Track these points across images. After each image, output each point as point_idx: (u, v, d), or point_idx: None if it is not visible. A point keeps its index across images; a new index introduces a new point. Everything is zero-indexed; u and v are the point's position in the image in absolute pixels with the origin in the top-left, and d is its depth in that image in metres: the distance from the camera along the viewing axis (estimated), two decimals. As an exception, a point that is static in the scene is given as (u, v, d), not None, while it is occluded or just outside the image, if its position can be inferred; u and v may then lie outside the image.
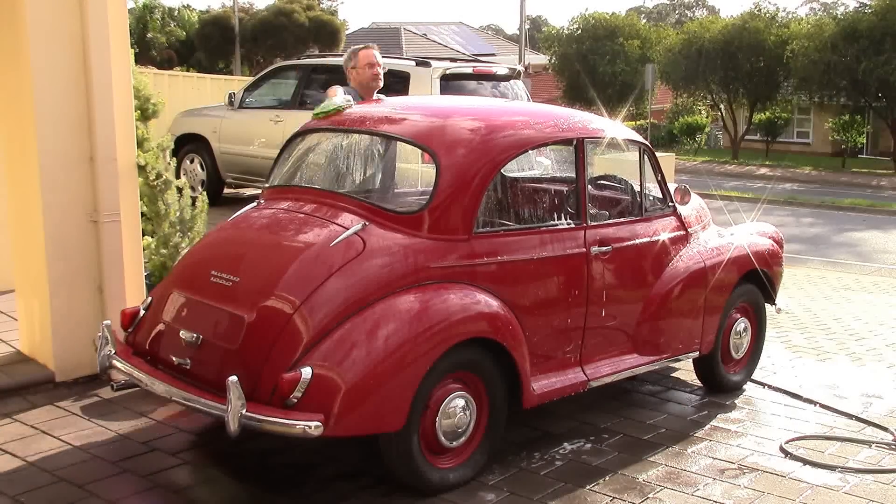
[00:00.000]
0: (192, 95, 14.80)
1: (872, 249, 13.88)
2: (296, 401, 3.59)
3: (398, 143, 4.78)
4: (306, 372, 3.61)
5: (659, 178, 5.13)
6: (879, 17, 27.71)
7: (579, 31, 36.71)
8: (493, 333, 4.07)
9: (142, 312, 4.36)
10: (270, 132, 10.33)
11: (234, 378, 3.53)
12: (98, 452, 4.28)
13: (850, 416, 5.23)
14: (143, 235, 5.78)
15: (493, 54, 36.76)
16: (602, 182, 5.35)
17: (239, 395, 3.52)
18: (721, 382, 5.49)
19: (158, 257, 6.08)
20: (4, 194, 5.55)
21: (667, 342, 4.98)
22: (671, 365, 5.49)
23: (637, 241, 4.86)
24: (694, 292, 5.07)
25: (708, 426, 5.00)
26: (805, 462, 4.53)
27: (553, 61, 37.38)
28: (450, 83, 9.50)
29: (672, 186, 5.28)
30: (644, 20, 46.39)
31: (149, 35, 37.42)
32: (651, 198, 5.12)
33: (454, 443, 4.01)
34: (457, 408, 3.97)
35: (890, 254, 13.38)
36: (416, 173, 5.16)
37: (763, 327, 5.73)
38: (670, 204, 5.17)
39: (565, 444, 4.62)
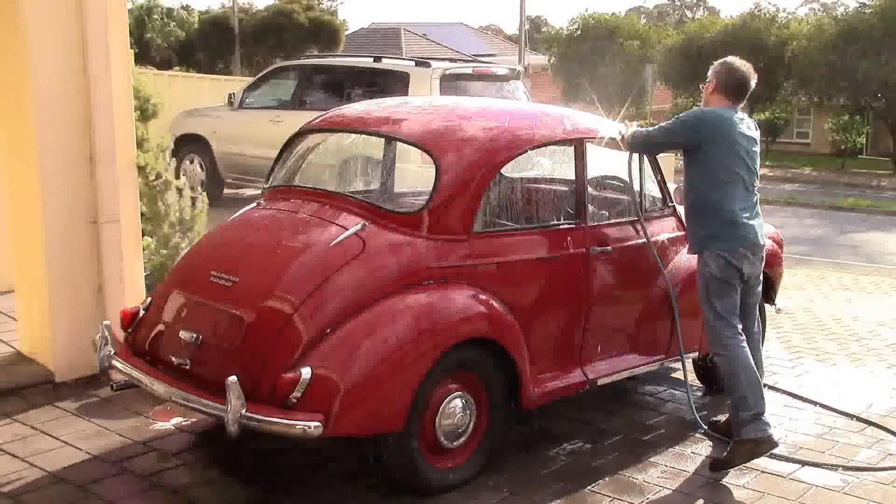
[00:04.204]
0: (192, 95, 14.82)
1: (874, 251, 13.86)
2: (295, 401, 3.59)
3: (398, 143, 4.78)
4: (306, 372, 3.61)
5: (659, 178, 5.13)
6: (879, 18, 27.68)
7: (579, 32, 36.68)
8: (493, 334, 4.07)
9: (141, 312, 4.36)
10: (270, 132, 10.35)
11: (233, 378, 3.53)
12: (98, 452, 4.28)
13: (851, 416, 5.23)
14: (143, 236, 5.78)
15: (492, 55, 36.74)
16: (602, 182, 5.34)
17: (238, 396, 3.52)
18: (721, 382, 5.47)
19: (158, 257, 6.09)
20: (4, 194, 5.55)
21: (667, 342, 4.98)
22: (671, 365, 5.48)
23: (637, 241, 4.86)
24: (693, 292, 5.04)
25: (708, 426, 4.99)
26: (805, 462, 4.53)
27: (553, 62, 37.36)
28: (450, 83, 9.51)
29: (672, 187, 5.27)
30: (644, 20, 46.37)
31: (148, 35, 37.39)
32: (651, 198, 5.12)
33: (454, 443, 4.01)
34: (456, 408, 3.98)
35: (893, 255, 13.37)
36: (415, 173, 5.16)
37: (763, 328, 5.72)
38: (670, 204, 5.17)
39: (565, 444, 4.62)
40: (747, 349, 4.43)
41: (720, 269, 4.42)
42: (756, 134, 4.61)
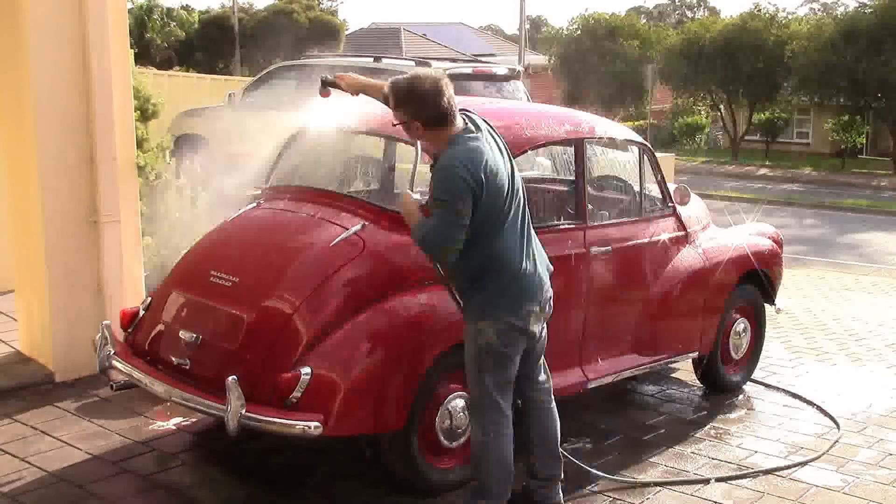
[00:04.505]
0: (192, 95, 14.80)
1: (874, 251, 13.87)
2: (295, 401, 3.59)
3: (398, 143, 4.77)
4: (306, 372, 3.61)
5: (658, 178, 5.13)
6: (879, 17, 27.71)
7: (579, 32, 36.68)
8: (493, 333, 4.06)
9: (141, 312, 4.36)
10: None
11: (233, 378, 3.53)
12: (98, 452, 4.28)
13: (833, 420, 5.23)
14: (143, 236, 5.78)
15: (492, 54, 36.74)
16: (602, 182, 5.34)
17: (238, 396, 3.52)
18: (721, 382, 5.49)
19: (158, 257, 6.09)
20: (4, 195, 5.55)
21: (666, 342, 4.98)
22: (671, 365, 5.49)
23: (637, 241, 4.86)
24: (693, 292, 5.07)
25: (708, 426, 5.00)
26: (805, 463, 4.53)
27: (553, 62, 37.36)
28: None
29: (672, 187, 5.28)
30: (644, 20, 46.36)
31: (148, 35, 37.39)
32: (651, 198, 5.12)
33: (454, 443, 4.01)
34: (456, 408, 3.97)
35: (893, 255, 13.37)
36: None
37: (763, 327, 5.73)
38: (670, 204, 5.17)
39: (565, 444, 4.59)
40: (510, 436, 3.65)
41: (501, 338, 3.52)
42: (502, 145, 3.60)
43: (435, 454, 3.97)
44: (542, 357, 3.82)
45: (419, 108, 3.43)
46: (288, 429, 3.57)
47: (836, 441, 4.83)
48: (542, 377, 3.83)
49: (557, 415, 3.87)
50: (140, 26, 36.23)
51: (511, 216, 3.50)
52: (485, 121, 3.62)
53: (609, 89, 34.04)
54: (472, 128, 3.52)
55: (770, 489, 4.23)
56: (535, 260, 3.60)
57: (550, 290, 3.69)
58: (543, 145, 4.72)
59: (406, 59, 11.77)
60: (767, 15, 32.53)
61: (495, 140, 3.59)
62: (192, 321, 4.07)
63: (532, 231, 3.64)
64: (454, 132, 3.47)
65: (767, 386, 5.72)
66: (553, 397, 3.85)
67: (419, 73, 3.49)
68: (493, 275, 3.50)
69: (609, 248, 4.64)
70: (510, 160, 3.61)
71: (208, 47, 38.08)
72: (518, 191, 3.55)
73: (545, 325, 3.74)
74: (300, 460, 4.31)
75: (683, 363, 5.51)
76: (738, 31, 31.50)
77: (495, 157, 3.48)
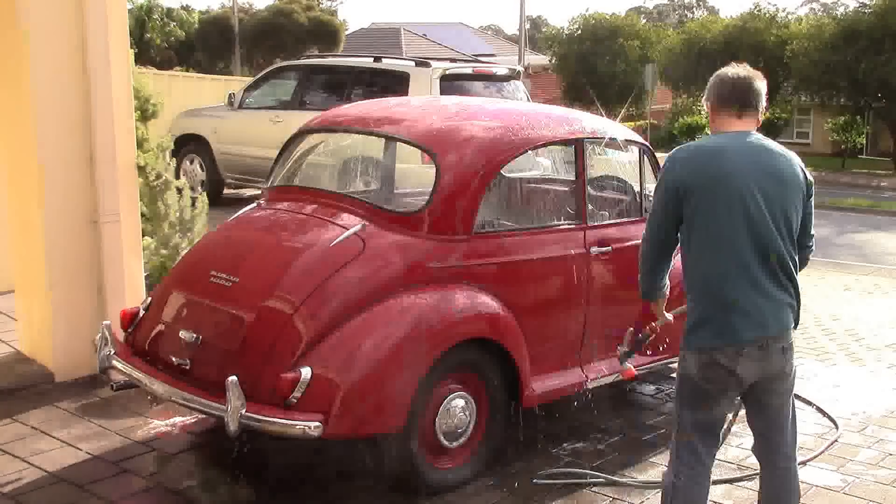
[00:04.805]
0: (192, 95, 14.81)
1: (874, 251, 13.85)
2: (295, 401, 3.59)
3: (398, 143, 4.78)
4: (306, 372, 3.61)
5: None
6: (879, 17, 27.71)
7: (579, 32, 36.70)
8: (493, 334, 4.07)
9: (141, 312, 4.37)
10: (270, 132, 10.33)
11: (233, 378, 3.53)
12: (98, 452, 4.28)
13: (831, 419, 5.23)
14: (143, 236, 5.78)
15: (492, 55, 36.74)
16: (602, 182, 5.35)
17: (238, 396, 3.52)
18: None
19: (158, 257, 6.09)
20: (5, 195, 5.55)
21: (666, 342, 4.97)
22: (671, 365, 5.48)
23: (637, 241, 4.84)
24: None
25: (708, 426, 4.99)
26: (805, 462, 4.53)
27: (553, 62, 37.36)
28: (450, 84, 9.50)
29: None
30: (644, 20, 46.37)
31: (148, 35, 37.41)
32: (651, 198, 5.11)
33: (454, 443, 4.02)
34: (456, 408, 3.98)
35: (893, 255, 13.36)
36: (416, 173, 5.16)
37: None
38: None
39: (565, 444, 4.62)
40: (705, 487, 3.18)
41: (702, 371, 3.10)
42: (786, 164, 3.14)
43: (435, 454, 3.97)
44: (784, 415, 3.23)
45: (713, 86, 3.29)
46: (288, 429, 3.57)
47: (835, 441, 4.83)
48: (788, 439, 3.25)
49: (798, 483, 3.30)
50: (140, 26, 36.22)
51: (732, 236, 3.04)
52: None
53: (609, 89, 34.03)
54: (749, 139, 3.15)
55: (770, 489, 4.23)
56: (764, 295, 3.05)
57: (786, 340, 3.11)
58: (543, 145, 4.72)
59: (406, 59, 11.76)
60: (767, 15, 32.55)
61: (766, 158, 3.13)
62: (193, 321, 4.07)
63: (778, 265, 3.07)
64: (725, 127, 3.21)
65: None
66: (794, 463, 3.28)
67: (735, 66, 3.31)
68: (697, 298, 3.14)
69: (609, 248, 4.64)
70: (778, 185, 3.09)
71: (208, 47, 38.10)
72: (764, 216, 3.04)
73: (787, 381, 3.18)
74: (300, 460, 4.31)
75: (683, 363, 5.50)
76: (738, 31, 31.51)
77: (732, 165, 3.06)
